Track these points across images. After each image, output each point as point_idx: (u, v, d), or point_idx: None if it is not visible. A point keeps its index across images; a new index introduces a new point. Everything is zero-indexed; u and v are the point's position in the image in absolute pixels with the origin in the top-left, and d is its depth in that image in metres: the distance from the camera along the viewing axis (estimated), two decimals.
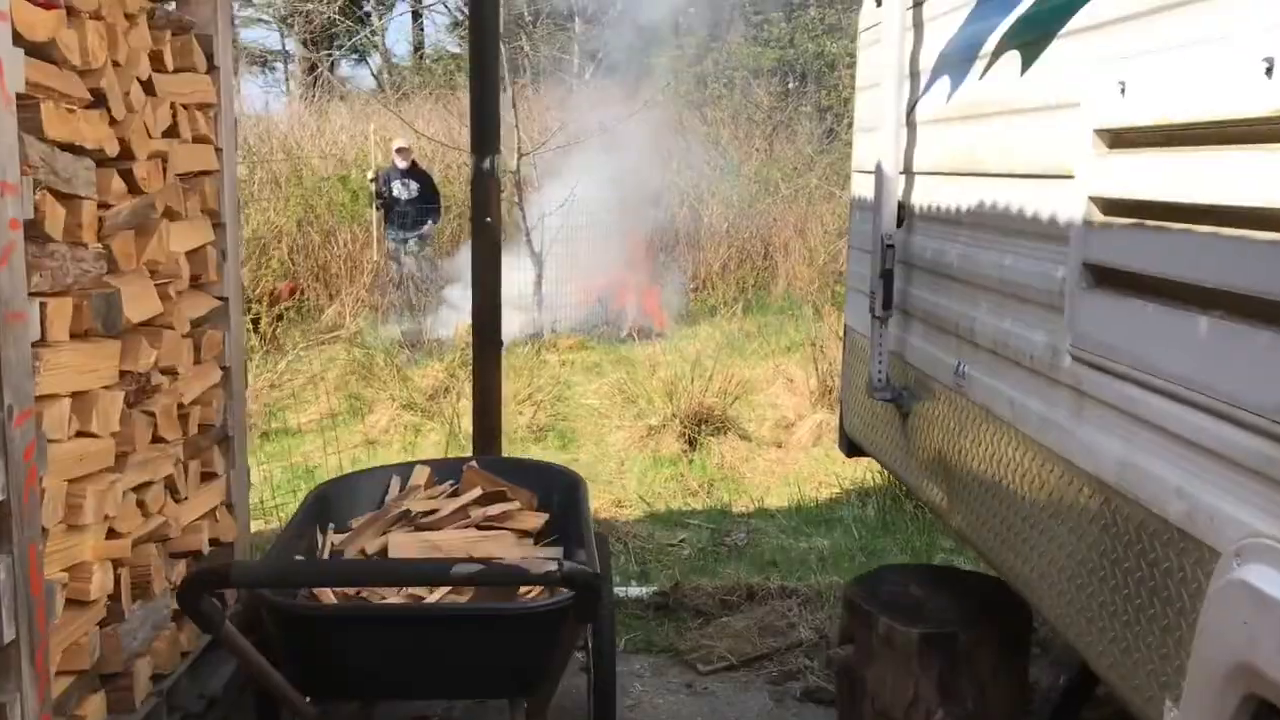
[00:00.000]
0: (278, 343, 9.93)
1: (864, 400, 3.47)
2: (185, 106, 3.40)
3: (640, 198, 12.44)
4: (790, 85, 14.98)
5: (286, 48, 35.36)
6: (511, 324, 10.58)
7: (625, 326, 10.83)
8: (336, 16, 25.44)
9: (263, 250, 10.81)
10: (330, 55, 30.16)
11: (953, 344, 2.80)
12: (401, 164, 11.07)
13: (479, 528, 3.40)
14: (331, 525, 3.39)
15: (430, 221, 11.22)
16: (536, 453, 7.19)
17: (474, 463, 3.68)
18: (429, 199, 11.16)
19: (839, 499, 6.18)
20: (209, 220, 3.61)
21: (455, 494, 3.58)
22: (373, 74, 33.52)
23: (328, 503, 3.48)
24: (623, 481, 6.66)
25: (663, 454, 6.94)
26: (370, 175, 11.24)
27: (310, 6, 28.13)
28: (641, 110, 10.81)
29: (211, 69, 3.61)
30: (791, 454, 6.99)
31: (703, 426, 7.08)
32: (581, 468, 6.92)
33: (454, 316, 10.04)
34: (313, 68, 31.59)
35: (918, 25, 3.14)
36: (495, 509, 3.45)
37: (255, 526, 6.17)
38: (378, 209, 11.21)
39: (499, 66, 4.39)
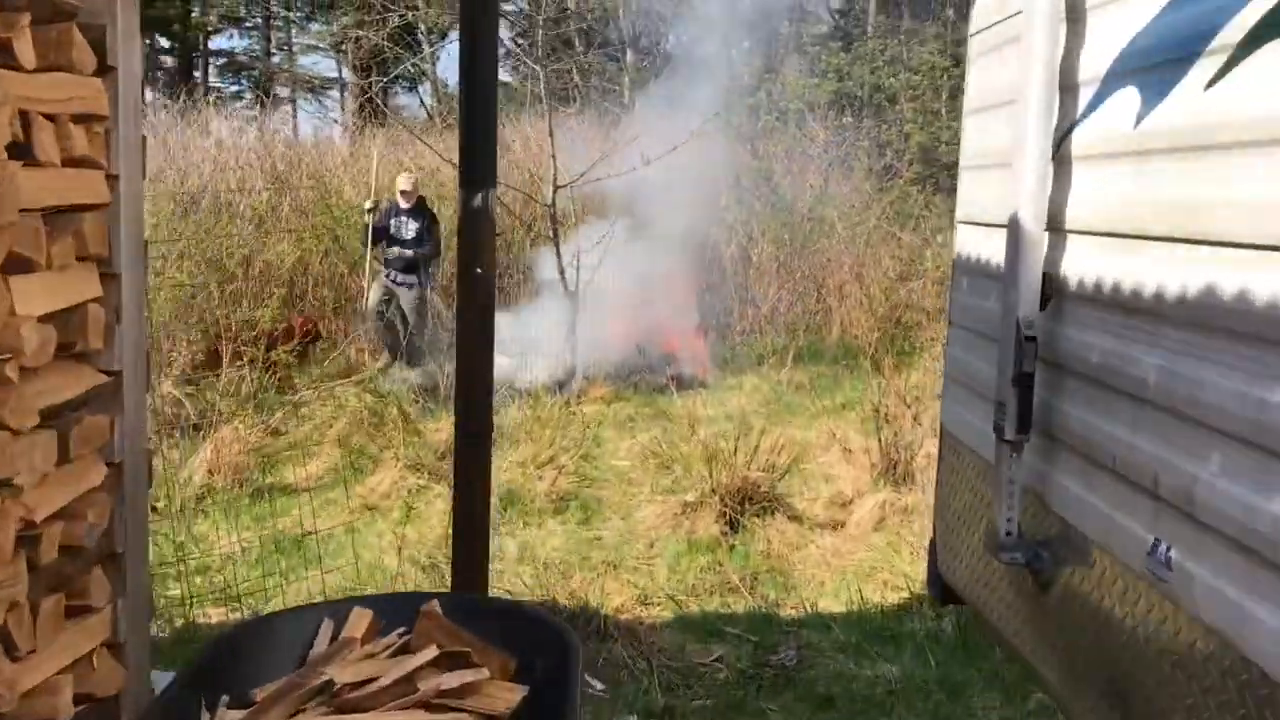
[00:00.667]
0: (291, 383, 9.06)
1: (973, 545, 2.43)
2: (50, 117, 2.45)
3: (686, 235, 11.44)
4: (847, 119, 13.96)
5: (342, 75, 35.09)
6: (539, 370, 9.68)
7: (664, 374, 9.81)
8: (386, 43, 24.85)
9: (286, 284, 10.00)
10: (378, 81, 29.75)
11: (1145, 507, 1.76)
12: (404, 204, 10.07)
13: (428, 707, 2.40)
14: (225, 698, 2.41)
15: (421, 274, 10.05)
16: (555, 527, 6.19)
17: (435, 604, 2.68)
18: (422, 243, 10.05)
19: (908, 606, 5.10)
20: (92, 270, 2.67)
21: (405, 649, 2.58)
22: (421, 102, 33.10)
23: (228, 659, 2.50)
24: (651, 569, 5.63)
25: (699, 537, 5.90)
26: (368, 205, 10.21)
27: (361, 33, 27.63)
28: (689, 142, 9.80)
29: (104, 71, 2.66)
30: (850, 542, 5.91)
31: (747, 505, 6.03)
32: (606, 549, 5.92)
33: None
34: (363, 94, 31.19)
35: (1077, 14, 2.11)
36: (454, 678, 2.45)
37: (220, 616, 5.27)
38: (370, 244, 10.19)
39: (496, 78, 3.40)
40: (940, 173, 13.30)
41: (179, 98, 15.81)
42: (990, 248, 2.35)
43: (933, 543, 2.94)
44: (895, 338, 10.20)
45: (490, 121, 3.34)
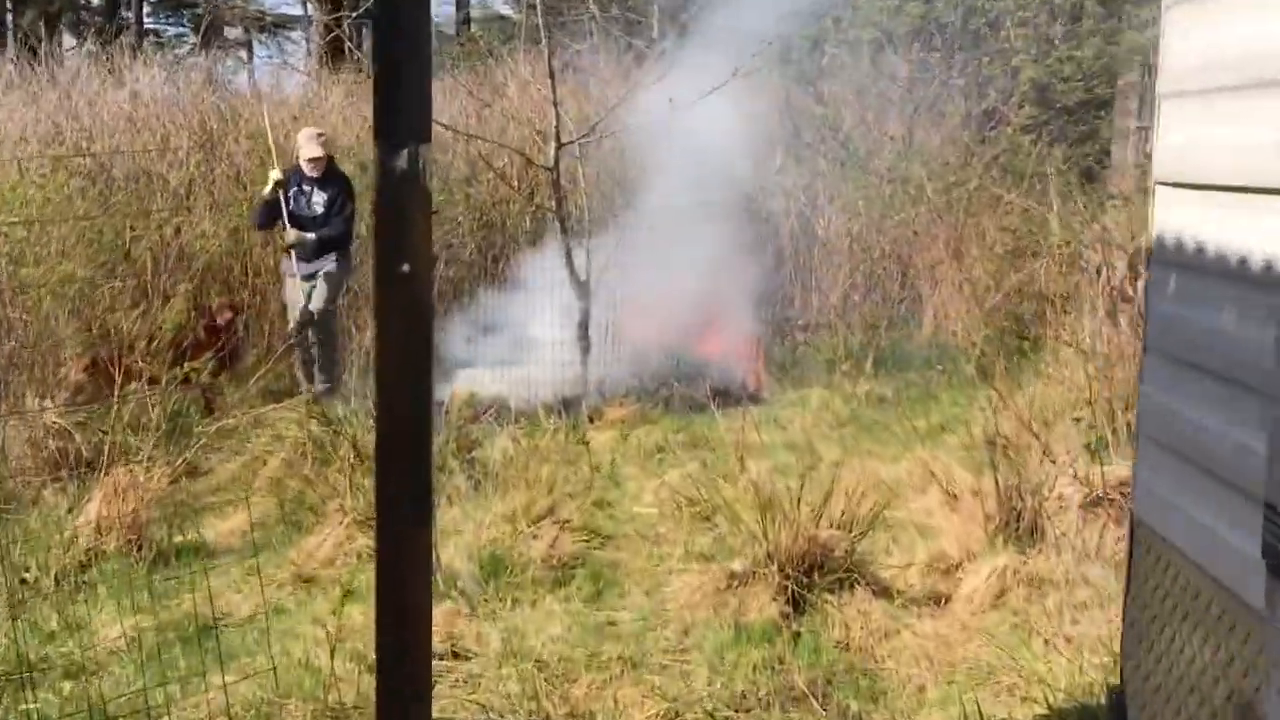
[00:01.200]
0: (213, 405, 8.50)
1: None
2: None
3: (731, 204, 10.78)
4: (936, 52, 13.19)
5: (307, 11, 34.65)
6: (540, 384, 9.05)
7: (704, 387, 9.14)
8: None
9: (200, 275, 9.42)
10: (347, 18, 29.14)
11: None
12: (310, 171, 9.19)
13: None
14: None
15: (338, 264, 9.27)
16: (554, 606, 5.53)
17: None
18: (328, 219, 9.19)
19: None
20: None
21: None
22: None
23: None
24: (685, 668, 4.96)
25: (751, 621, 5.21)
26: (276, 176, 9.14)
27: None
28: (733, 84, 9.11)
29: None
30: (958, 627, 5.20)
31: (816, 575, 5.34)
32: (623, 639, 5.24)
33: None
34: (328, 33, 30.73)
35: None
36: None
37: None
38: (261, 226, 9.56)
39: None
40: (1059, 118, 12.52)
41: (104, 43, 15.31)
42: (1235, 226, 1.67)
43: (1118, 693, 2.25)
44: (1008, 334, 9.45)
45: (418, 60, 2.66)
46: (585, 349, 9.08)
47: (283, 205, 9.08)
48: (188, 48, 33.40)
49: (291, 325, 9.27)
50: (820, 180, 12.08)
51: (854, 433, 8.18)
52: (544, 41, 9.06)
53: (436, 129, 10.44)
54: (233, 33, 33.53)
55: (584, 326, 9.10)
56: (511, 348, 9.08)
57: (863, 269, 11.26)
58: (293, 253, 9.17)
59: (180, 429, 7.97)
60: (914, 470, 6.96)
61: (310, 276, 9.17)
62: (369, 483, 6.69)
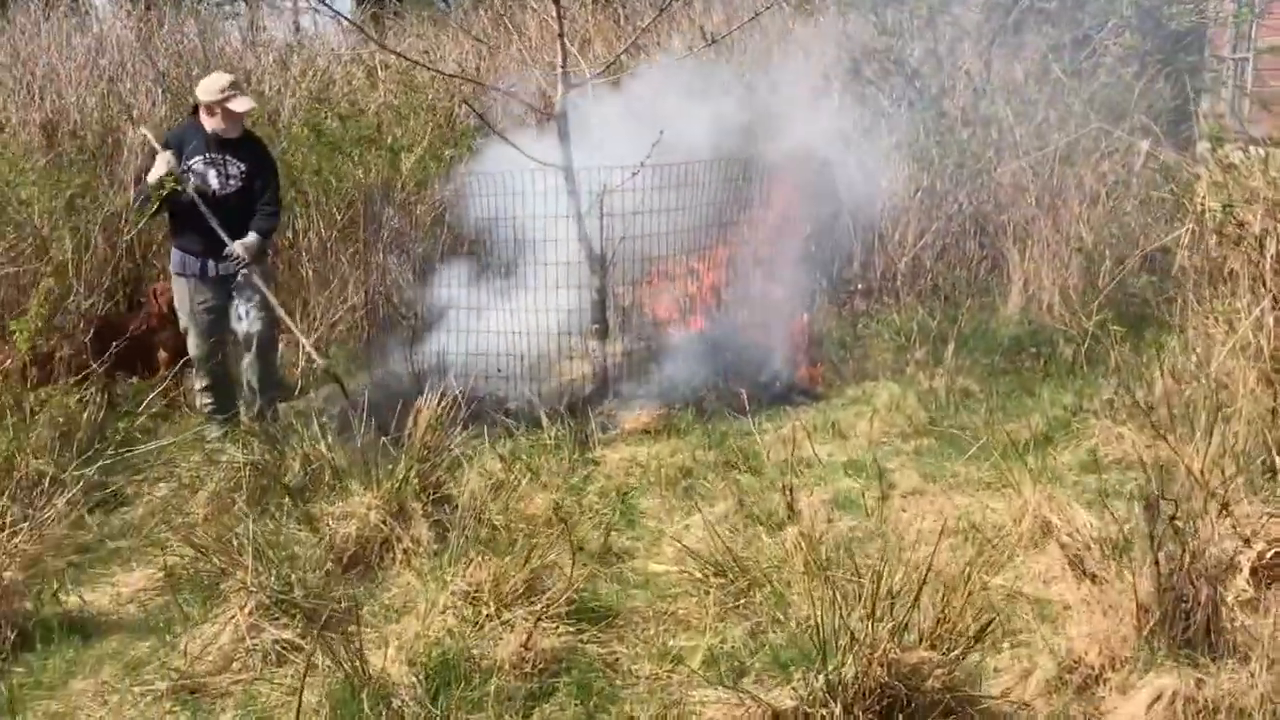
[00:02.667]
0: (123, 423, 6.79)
1: None
2: None
3: (776, 152, 8.95)
4: None
5: None
6: (543, 382, 7.36)
7: (744, 380, 7.38)
8: None
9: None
10: None
11: None
12: (224, 132, 6.85)
13: None
14: None
15: (265, 263, 7.15)
16: None
17: None
18: (253, 198, 6.96)
19: None
20: None
21: None
22: None
23: None
24: None
25: None
26: (167, 163, 6.69)
27: None
28: (775, 9, 7.31)
29: None
30: None
31: (899, 712, 3.60)
32: None
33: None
34: None
35: None
36: None
37: None
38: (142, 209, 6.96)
39: None
40: (1172, 47, 10.51)
41: None
42: None
43: None
44: (1127, 315, 7.62)
45: None
46: (600, 335, 7.35)
47: (193, 194, 6.72)
48: None
49: (197, 347, 6.94)
50: (883, 121, 10.19)
51: (934, 446, 6.41)
52: None
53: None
54: None
55: (599, 308, 7.35)
56: (512, 332, 7.36)
57: (935, 227, 9.40)
58: (194, 250, 6.83)
59: (108, 438, 6.39)
60: (1021, 511, 5.17)
61: (230, 279, 6.88)
62: (304, 535, 5.07)
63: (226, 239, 6.73)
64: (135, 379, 7.46)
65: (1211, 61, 12.29)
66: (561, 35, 7.22)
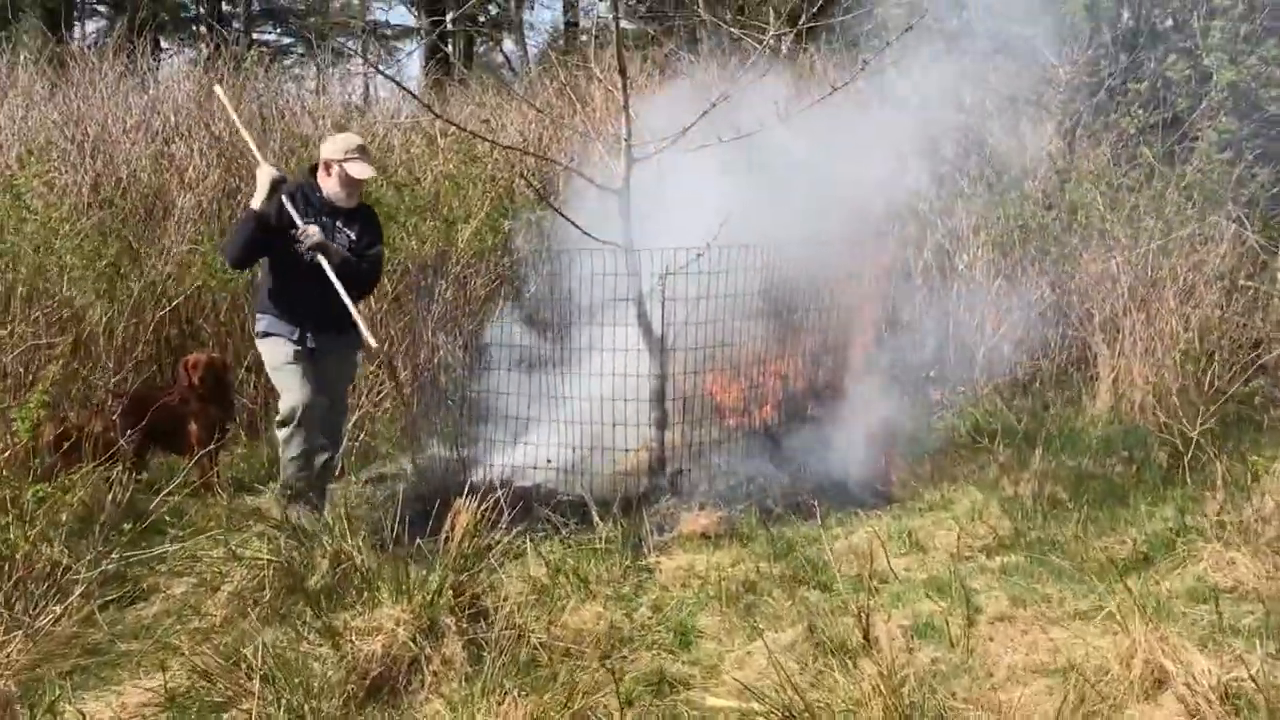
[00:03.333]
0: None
1: None
2: None
3: (849, 233, 8.44)
4: (1103, 45, 10.68)
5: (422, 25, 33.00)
6: (601, 476, 6.82)
7: (811, 480, 6.83)
8: None
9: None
10: (457, 26, 27.50)
11: None
12: (342, 199, 6.21)
13: None
14: None
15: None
16: None
17: None
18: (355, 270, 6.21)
19: None
20: None
21: None
22: (505, 58, 30.65)
23: None
24: None
25: None
26: (270, 175, 6.04)
27: None
28: (854, 83, 6.84)
29: None
30: None
31: None
32: None
33: None
34: (435, 48, 29.03)
35: None
36: None
37: None
38: (244, 260, 6.41)
39: None
40: (1268, 130, 9.91)
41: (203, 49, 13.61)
42: None
43: None
44: (1241, 422, 6.99)
45: None
46: (660, 425, 6.83)
47: (284, 231, 6.02)
48: (291, 59, 32.11)
49: (294, 397, 6.10)
50: (962, 203, 9.66)
51: (1021, 563, 5.79)
52: (610, 21, 6.80)
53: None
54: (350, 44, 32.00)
55: (658, 395, 6.84)
56: (564, 421, 6.86)
57: (1016, 316, 8.82)
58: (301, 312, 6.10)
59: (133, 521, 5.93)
60: (1129, 651, 4.54)
61: (323, 355, 6.18)
62: (323, 651, 4.55)
63: (340, 288, 5.98)
64: (166, 456, 7.06)
65: None
66: (626, 107, 6.79)
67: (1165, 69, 9.98)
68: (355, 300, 6.13)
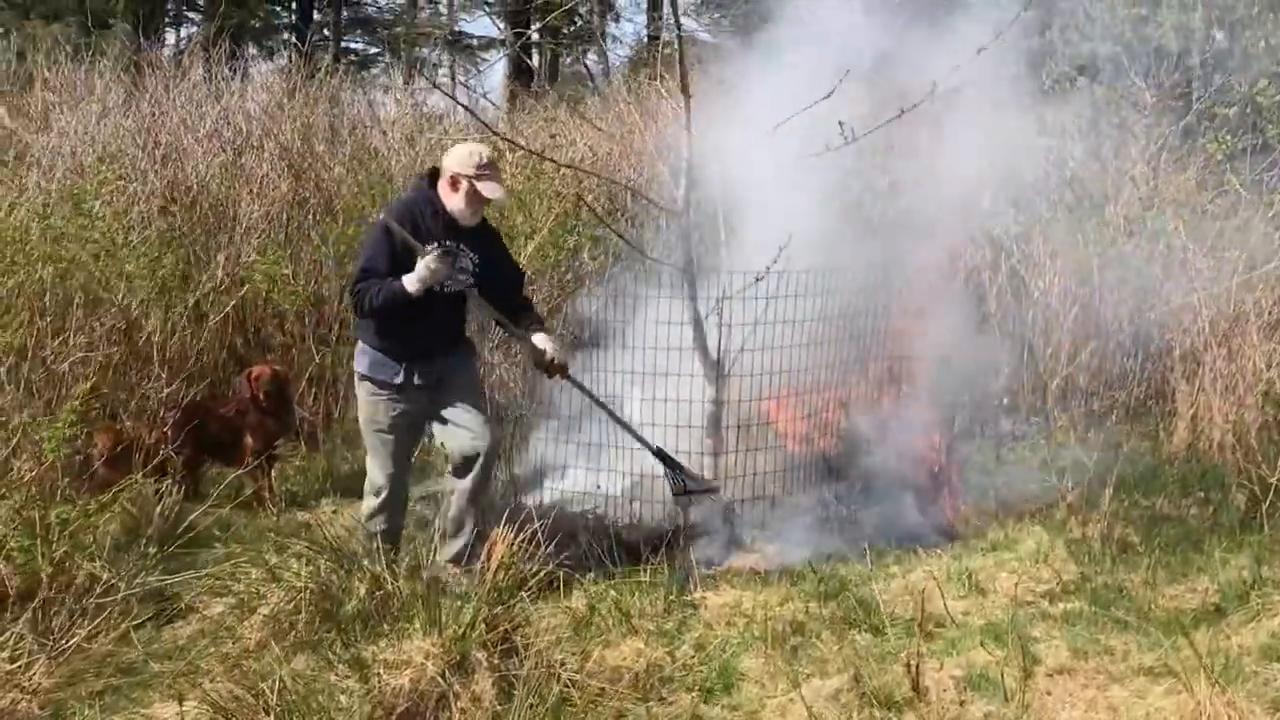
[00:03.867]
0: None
1: None
2: None
3: (918, 257, 8.18)
4: (1197, 70, 10.31)
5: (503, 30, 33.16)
6: (650, 504, 6.64)
7: (870, 515, 6.60)
8: None
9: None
10: (545, 42, 27.57)
11: None
12: (465, 217, 5.67)
13: None
14: None
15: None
16: None
17: None
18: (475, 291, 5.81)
19: None
20: None
21: None
22: (587, 72, 30.66)
23: None
24: None
25: None
26: (432, 261, 5.39)
27: None
28: (925, 104, 6.59)
29: None
30: None
31: None
32: None
33: None
34: (519, 59, 29.15)
35: None
36: None
37: None
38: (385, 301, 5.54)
39: None
40: None
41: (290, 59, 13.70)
42: None
43: None
44: None
45: None
46: (715, 454, 6.63)
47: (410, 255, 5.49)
48: (378, 68, 32.38)
49: (384, 469, 5.79)
50: (1039, 226, 9.35)
51: (1085, 611, 5.49)
52: (674, 42, 6.63)
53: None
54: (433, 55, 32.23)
55: (715, 422, 6.65)
56: (613, 450, 6.68)
57: (1093, 346, 8.50)
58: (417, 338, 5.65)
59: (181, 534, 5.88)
60: (1191, 711, 4.27)
61: (435, 382, 5.76)
62: (352, 685, 4.42)
63: (429, 256, 5.41)
64: (220, 469, 7.03)
65: None
66: (689, 127, 6.61)
67: (1256, 93, 9.56)
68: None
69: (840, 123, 6.36)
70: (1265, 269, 7.77)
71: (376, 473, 5.83)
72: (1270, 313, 7.74)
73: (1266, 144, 9.65)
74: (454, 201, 5.65)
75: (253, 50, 26.64)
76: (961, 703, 4.58)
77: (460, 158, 5.65)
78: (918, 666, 4.63)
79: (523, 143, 9.07)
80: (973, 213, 9.29)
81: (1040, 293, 9.03)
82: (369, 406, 5.78)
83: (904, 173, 9.06)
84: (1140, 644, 5.05)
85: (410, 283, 5.42)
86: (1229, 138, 9.29)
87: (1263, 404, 7.15)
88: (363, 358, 5.77)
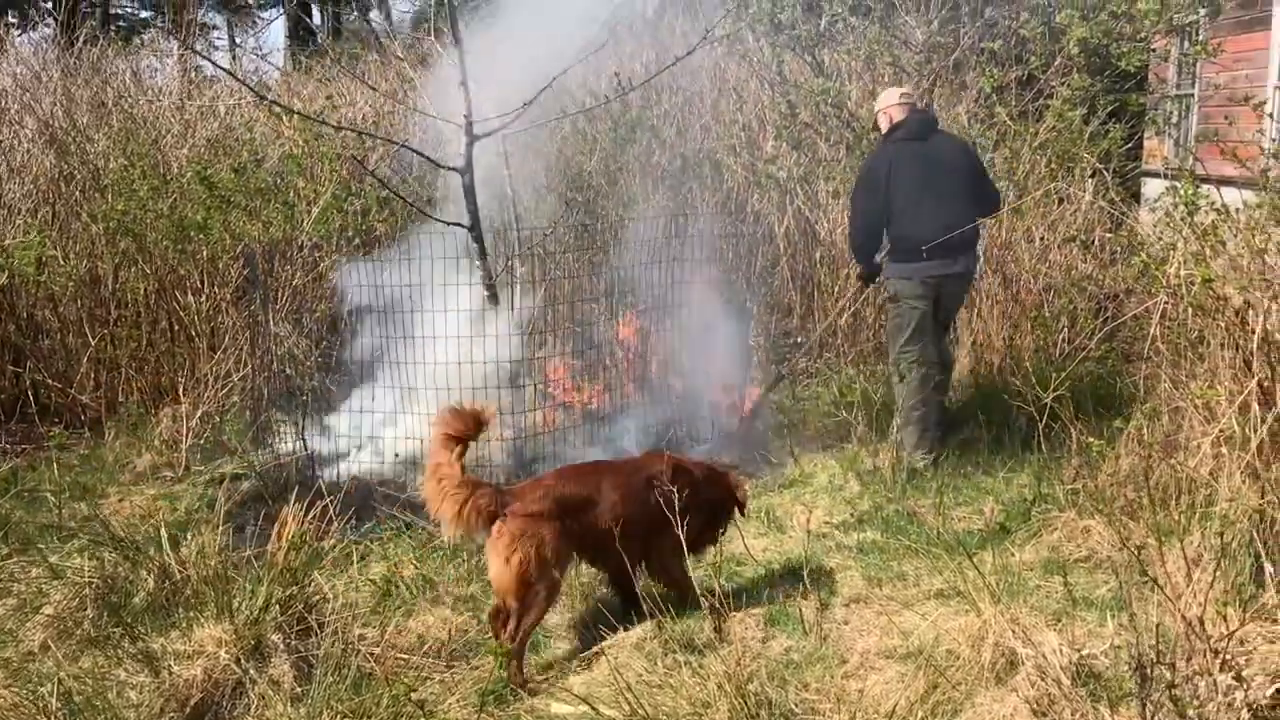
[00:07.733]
0: None
1: None
2: None
3: (708, 202, 8.24)
4: (964, 11, 10.62)
5: None
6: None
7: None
8: None
9: None
10: None
11: None
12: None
13: None
14: None
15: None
16: None
17: None
18: None
19: None
20: None
21: None
22: (369, 26, 29.85)
23: None
24: None
25: None
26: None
27: None
28: (704, 50, 6.61)
29: None
30: None
31: None
32: None
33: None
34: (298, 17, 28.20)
35: None
36: None
37: None
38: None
39: None
40: (1119, 87, 9.94)
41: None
42: None
43: None
44: (1098, 383, 6.95)
45: None
46: (512, 407, 6.57)
47: None
48: (150, 34, 30.85)
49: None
50: (824, 170, 9.54)
51: (878, 540, 5.67)
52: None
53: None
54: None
55: (511, 380, 6.60)
56: (408, 413, 6.56)
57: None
58: None
59: None
60: (980, 634, 4.42)
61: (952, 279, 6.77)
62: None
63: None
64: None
65: (1162, 102, 11.71)
66: (464, 82, 6.49)
67: (1019, 26, 9.89)
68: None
69: (615, 73, 6.36)
70: (1033, 196, 8.07)
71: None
72: (1042, 239, 8.05)
73: (1031, 76, 10.00)
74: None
75: (11, 18, 25.09)
76: (764, 639, 4.66)
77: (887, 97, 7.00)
78: (719, 609, 4.68)
79: (298, 106, 8.73)
80: (755, 156, 9.43)
81: (826, 232, 9.22)
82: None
83: (690, 120, 9.12)
84: (930, 568, 5.22)
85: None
86: (996, 71, 9.59)
87: (1033, 328, 7.46)
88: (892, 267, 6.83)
